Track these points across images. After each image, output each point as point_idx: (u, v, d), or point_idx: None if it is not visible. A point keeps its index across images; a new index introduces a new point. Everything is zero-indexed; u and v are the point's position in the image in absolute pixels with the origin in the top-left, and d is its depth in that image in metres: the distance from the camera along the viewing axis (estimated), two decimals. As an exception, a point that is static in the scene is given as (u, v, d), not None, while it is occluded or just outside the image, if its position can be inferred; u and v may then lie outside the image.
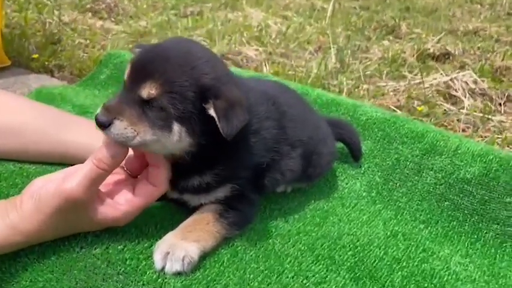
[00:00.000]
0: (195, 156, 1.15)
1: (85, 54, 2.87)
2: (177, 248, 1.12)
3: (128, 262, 1.13)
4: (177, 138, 1.08)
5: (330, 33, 4.35)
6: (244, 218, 1.31)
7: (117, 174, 1.22)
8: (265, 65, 3.27)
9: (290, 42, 3.93)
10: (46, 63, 2.64)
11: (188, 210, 1.29)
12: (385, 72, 3.61)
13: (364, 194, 1.70)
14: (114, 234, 1.20)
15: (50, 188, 1.08)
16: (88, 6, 4.64)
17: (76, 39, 3.30)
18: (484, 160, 1.67)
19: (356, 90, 3.08)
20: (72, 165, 1.17)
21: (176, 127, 1.07)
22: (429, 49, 4.27)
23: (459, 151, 1.73)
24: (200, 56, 1.12)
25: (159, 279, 1.09)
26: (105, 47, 3.20)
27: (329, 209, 1.55)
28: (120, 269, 1.11)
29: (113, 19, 4.54)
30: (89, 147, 1.50)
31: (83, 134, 1.53)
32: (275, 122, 1.34)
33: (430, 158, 1.74)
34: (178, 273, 1.10)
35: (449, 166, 1.70)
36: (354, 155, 1.81)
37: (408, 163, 1.76)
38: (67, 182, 1.07)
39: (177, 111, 1.05)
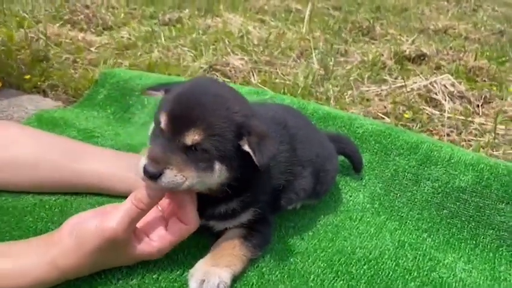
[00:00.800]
0: (227, 187, 1.21)
1: (76, 73, 2.86)
2: (211, 275, 1.19)
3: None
4: (218, 175, 1.15)
5: (310, 38, 4.46)
6: (265, 239, 1.39)
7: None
8: (253, 74, 3.34)
9: (273, 49, 4.00)
10: (39, 83, 2.63)
11: (212, 235, 1.36)
12: (366, 76, 3.74)
13: (368, 206, 1.80)
14: (147, 264, 1.26)
15: (90, 226, 1.13)
16: (66, 17, 4.59)
17: (62, 55, 3.27)
18: (476, 169, 1.80)
19: (342, 96, 3.19)
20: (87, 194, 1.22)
21: (217, 166, 1.14)
22: (405, 51, 4.43)
23: (452, 161, 1.85)
24: (229, 97, 1.19)
25: (198, 306, 1.15)
26: (93, 62, 3.19)
27: (338, 223, 1.65)
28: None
29: (92, 30, 4.51)
30: (101, 175, 1.56)
31: (95, 163, 1.58)
32: (287, 145, 1.43)
33: (426, 168, 1.86)
34: (214, 300, 1.17)
35: (444, 176, 1.82)
36: (356, 167, 1.91)
37: (406, 174, 1.88)
38: (107, 221, 1.12)
39: (218, 152, 1.12)
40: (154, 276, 1.23)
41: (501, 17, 7.33)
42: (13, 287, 1.13)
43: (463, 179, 1.79)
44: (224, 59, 3.46)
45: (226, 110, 1.14)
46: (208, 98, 1.16)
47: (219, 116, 1.13)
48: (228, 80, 3.24)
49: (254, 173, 1.20)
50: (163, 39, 4.02)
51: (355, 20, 5.85)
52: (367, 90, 3.43)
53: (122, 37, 4.00)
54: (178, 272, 1.26)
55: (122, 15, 5.14)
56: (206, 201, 1.26)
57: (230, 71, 3.36)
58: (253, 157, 1.13)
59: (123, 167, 1.57)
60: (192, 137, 1.10)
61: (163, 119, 1.13)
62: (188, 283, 1.20)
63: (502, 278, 1.47)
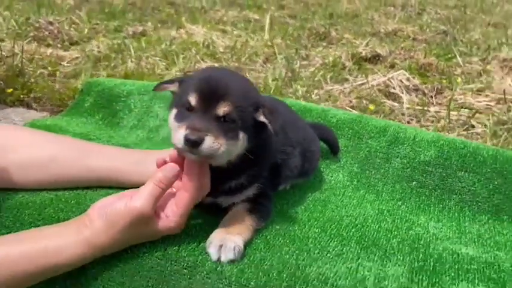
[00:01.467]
0: (240, 160, 1.41)
1: (55, 85, 2.96)
2: (228, 240, 1.37)
3: (186, 258, 1.36)
4: (241, 144, 1.35)
5: (274, 45, 4.72)
6: (267, 212, 1.58)
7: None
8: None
9: (240, 55, 4.22)
10: (21, 96, 2.71)
11: (220, 211, 1.54)
12: (329, 76, 4.02)
13: (347, 183, 2.03)
14: (166, 239, 1.41)
15: (119, 206, 1.28)
16: (31, 34, 4.63)
17: (37, 69, 3.35)
18: (437, 145, 2.08)
19: (310, 95, 3.44)
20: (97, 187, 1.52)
21: (241, 135, 1.34)
22: (361, 52, 4.77)
23: (416, 139, 2.12)
24: (242, 79, 1.45)
25: (218, 268, 1.32)
26: (68, 75, 3.29)
27: (325, 198, 1.86)
28: (183, 265, 1.34)
29: (59, 45, 4.57)
30: (111, 169, 1.70)
31: (105, 159, 1.72)
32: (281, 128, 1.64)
33: (394, 148, 2.12)
34: (231, 261, 1.34)
35: (410, 153, 2.08)
36: (333, 150, 2.14)
37: (378, 153, 2.13)
38: (134, 201, 1.28)
39: (241, 122, 1.33)
40: (175, 248, 1.39)
41: (444, 19, 7.91)
42: (50, 265, 1.27)
43: (427, 154, 2.05)
44: (196, 66, 3.64)
45: (244, 88, 1.39)
46: (229, 79, 1.39)
47: (241, 92, 1.36)
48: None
49: (259, 149, 1.40)
50: (132, 51, 4.16)
51: (312, 27, 6.18)
52: (331, 89, 3.71)
53: (93, 50, 4.10)
54: (195, 244, 1.42)
55: (86, 30, 5.21)
56: (219, 179, 1.44)
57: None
58: (268, 125, 1.36)
59: (130, 162, 1.72)
60: (223, 108, 1.30)
61: (194, 98, 1.31)
62: (207, 250, 1.37)
63: (467, 231, 1.72)
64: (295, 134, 1.74)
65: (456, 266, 1.46)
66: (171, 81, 1.48)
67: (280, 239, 1.51)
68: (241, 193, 1.51)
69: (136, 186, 1.38)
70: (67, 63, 3.75)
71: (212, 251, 1.35)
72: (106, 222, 1.28)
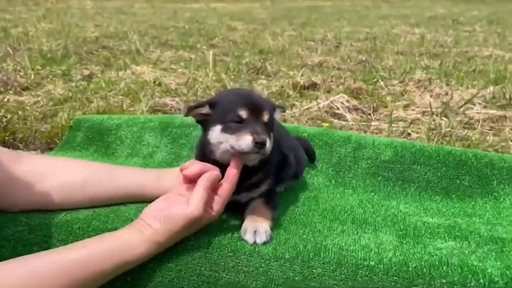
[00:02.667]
0: (258, 163, 1.77)
1: (36, 126, 3.09)
2: (259, 226, 1.70)
3: (228, 245, 1.66)
4: (272, 142, 1.71)
5: (222, 79, 5.12)
6: (276, 204, 1.93)
7: None
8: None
9: (196, 90, 4.57)
10: (6, 138, 2.82)
11: (238, 208, 1.86)
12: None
13: (327, 183, 2.44)
14: (207, 233, 1.71)
15: (175, 211, 1.58)
16: (-20, 82, 4.63)
17: (6, 114, 3.44)
18: (392, 147, 2.57)
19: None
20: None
21: (272, 135, 1.71)
22: (300, 82, 5.33)
23: (375, 144, 2.60)
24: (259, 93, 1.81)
25: (256, 249, 1.64)
26: (42, 117, 3.42)
27: (314, 195, 2.25)
28: (227, 250, 1.64)
29: (10, 92, 4.62)
30: (139, 186, 1.97)
31: (133, 178, 1.98)
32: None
33: (359, 152, 2.58)
34: (264, 243, 1.67)
35: (373, 154, 2.55)
36: (311, 159, 2.54)
37: (347, 158, 2.57)
38: (190, 206, 1.58)
39: (271, 125, 1.72)
40: (216, 239, 1.69)
41: (359, 50, 8.87)
42: (122, 262, 1.50)
43: (385, 154, 2.53)
44: (161, 101, 3.93)
45: (265, 98, 1.82)
46: (255, 94, 1.84)
47: (267, 102, 1.78)
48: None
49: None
50: (89, 92, 4.34)
51: (249, 62, 6.71)
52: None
53: (52, 93, 4.22)
54: (230, 234, 1.73)
55: (32, 76, 5.27)
56: (243, 177, 1.76)
57: (170, 110, 3.83)
58: (283, 113, 1.86)
59: (153, 180, 1.99)
60: (266, 116, 1.69)
61: (244, 111, 1.67)
62: (243, 237, 1.68)
63: (429, 208, 2.18)
64: (288, 142, 2.14)
65: (429, 230, 1.89)
66: (200, 105, 1.80)
67: (293, 225, 1.87)
68: (258, 188, 1.86)
69: (155, 198, 1.71)
70: (29, 107, 3.85)
71: (248, 237, 1.67)
72: (165, 224, 1.56)
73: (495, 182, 2.35)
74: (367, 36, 11.35)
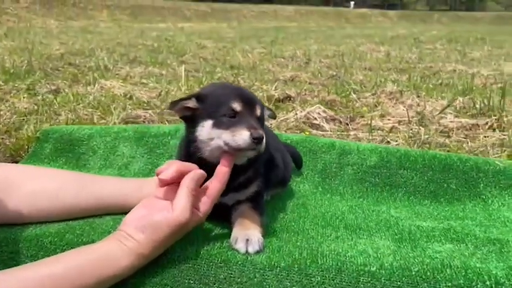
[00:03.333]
0: (247, 162, 1.67)
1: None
2: (251, 234, 1.58)
3: (218, 255, 1.53)
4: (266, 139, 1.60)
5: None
6: (264, 210, 1.81)
7: None
8: (166, 122, 3.72)
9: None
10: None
11: (223, 212, 1.74)
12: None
13: (314, 190, 2.35)
14: (194, 243, 1.58)
15: (159, 219, 1.43)
16: None
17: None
18: (376, 152, 2.51)
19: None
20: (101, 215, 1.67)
21: (264, 131, 1.60)
22: (275, 95, 5.27)
23: (360, 150, 2.54)
24: None
25: (249, 258, 1.51)
26: (1, 131, 3.20)
27: (302, 202, 2.15)
28: (218, 260, 1.51)
29: (-30, 106, 4.34)
30: (118, 196, 1.82)
31: (110, 187, 1.83)
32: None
33: (344, 158, 2.51)
34: (257, 252, 1.55)
35: (358, 160, 2.48)
36: (298, 165, 2.45)
37: (332, 164, 2.49)
38: (175, 212, 1.44)
39: (263, 120, 1.62)
40: (205, 249, 1.56)
41: (329, 66, 8.96)
42: (103, 276, 1.35)
43: (371, 160, 2.47)
44: (133, 113, 3.77)
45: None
46: (245, 89, 1.74)
47: (257, 97, 1.68)
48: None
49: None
50: (56, 105, 4.13)
51: (221, 77, 6.63)
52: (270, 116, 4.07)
53: (16, 107, 3.99)
54: (219, 243, 1.61)
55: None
56: (231, 176, 1.63)
57: (143, 121, 3.68)
58: (271, 115, 1.76)
59: (132, 189, 1.84)
60: (259, 110, 1.60)
61: (238, 104, 1.56)
62: (233, 246, 1.55)
63: (420, 212, 2.12)
64: (275, 143, 2.05)
65: (425, 234, 1.82)
66: (186, 98, 1.67)
67: (285, 233, 1.76)
68: (247, 189, 1.75)
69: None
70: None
71: (240, 246, 1.55)
72: (148, 234, 1.42)
73: (482, 184, 2.32)
74: (335, 53, 11.54)
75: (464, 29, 30.31)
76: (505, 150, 3.21)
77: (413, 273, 1.46)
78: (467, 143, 3.47)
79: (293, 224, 1.86)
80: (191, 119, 1.65)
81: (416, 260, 1.55)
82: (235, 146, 1.51)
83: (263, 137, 1.50)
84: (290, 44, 14.07)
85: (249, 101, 1.60)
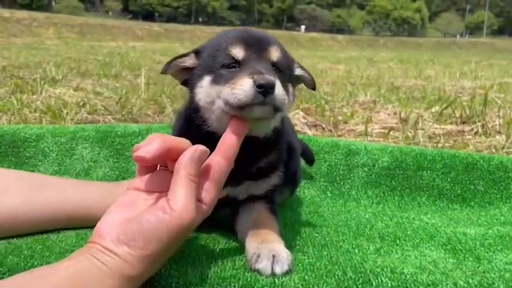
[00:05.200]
0: (272, 135, 1.24)
1: None
2: (278, 250, 1.14)
3: (234, 280, 1.08)
4: (291, 100, 1.20)
5: (159, 100, 4.53)
6: (278, 213, 1.38)
7: None
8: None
9: (130, 109, 3.92)
10: None
11: (230, 209, 1.35)
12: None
13: (323, 196, 1.95)
14: (188, 265, 1.12)
15: (151, 223, 0.96)
16: None
17: None
18: (388, 152, 2.15)
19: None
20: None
21: (291, 89, 1.19)
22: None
23: (368, 149, 2.17)
24: None
25: (277, 282, 1.08)
26: None
27: (315, 210, 1.75)
28: (235, 286, 1.05)
29: None
30: (80, 203, 1.35)
31: (64, 191, 1.35)
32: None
33: (352, 159, 2.13)
34: (285, 273, 1.11)
35: (369, 161, 2.11)
36: (309, 160, 2.03)
37: (338, 166, 2.10)
38: (175, 209, 0.97)
39: (289, 73, 1.20)
40: (211, 270, 1.11)
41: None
42: None
43: (383, 160, 2.11)
44: (90, 117, 3.24)
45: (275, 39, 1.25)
46: (258, 31, 1.25)
47: (275, 41, 1.23)
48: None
49: (278, 132, 1.27)
50: (15, 109, 3.53)
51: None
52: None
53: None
54: (229, 260, 1.16)
55: None
56: (246, 158, 1.20)
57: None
58: (307, 77, 1.29)
59: (102, 193, 1.37)
60: (275, 53, 1.15)
61: (240, 49, 1.13)
62: (254, 265, 1.11)
63: (456, 218, 1.76)
64: (295, 139, 1.64)
65: (478, 243, 1.45)
66: (183, 56, 1.24)
67: (311, 247, 1.34)
68: (268, 179, 1.32)
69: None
70: None
71: (265, 265, 1.10)
72: (138, 246, 0.95)
73: (512, 185, 2.01)
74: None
75: (409, 52, 31.61)
76: (507, 152, 2.96)
77: (500, 292, 1.08)
78: (466, 148, 3.21)
79: (316, 235, 1.44)
80: (192, 82, 1.22)
81: (492, 275, 1.18)
82: (236, 103, 1.06)
83: (273, 84, 1.05)
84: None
85: (257, 43, 1.16)
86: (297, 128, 3.62)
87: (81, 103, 4.40)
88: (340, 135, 3.56)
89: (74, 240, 1.24)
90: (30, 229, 1.25)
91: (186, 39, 34.85)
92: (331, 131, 3.68)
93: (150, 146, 1.02)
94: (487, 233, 1.56)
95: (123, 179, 1.97)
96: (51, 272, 0.88)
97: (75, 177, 1.96)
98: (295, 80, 1.30)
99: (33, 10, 46.80)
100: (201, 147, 1.05)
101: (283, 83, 1.13)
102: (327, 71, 11.90)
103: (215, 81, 1.13)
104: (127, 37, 30.63)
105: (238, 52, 1.13)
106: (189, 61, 1.22)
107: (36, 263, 1.08)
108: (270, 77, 1.05)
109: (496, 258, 1.32)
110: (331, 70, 12.25)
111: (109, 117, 3.47)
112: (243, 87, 1.05)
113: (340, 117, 4.40)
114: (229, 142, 1.09)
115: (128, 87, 6.67)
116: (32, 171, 1.97)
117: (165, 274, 1.06)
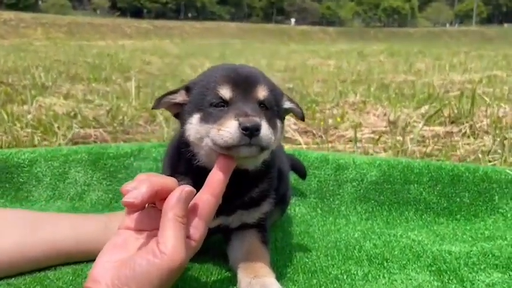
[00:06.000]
0: (262, 166, 1.28)
1: None
2: (270, 284, 1.18)
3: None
4: (279, 135, 1.23)
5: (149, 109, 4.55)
6: (269, 240, 1.43)
7: None
8: (121, 142, 3.24)
9: (123, 120, 3.93)
10: None
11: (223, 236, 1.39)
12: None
13: (313, 213, 1.99)
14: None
15: (143, 267, 1.00)
16: None
17: None
18: (375, 165, 2.20)
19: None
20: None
21: (279, 124, 1.22)
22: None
23: (356, 163, 2.21)
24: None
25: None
26: None
27: (305, 230, 1.79)
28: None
29: None
30: (78, 239, 1.38)
31: (66, 228, 1.38)
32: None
33: (341, 174, 2.17)
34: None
35: (357, 175, 2.16)
36: (301, 174, 2.07)
37: (328, 181, 2.15)
38: (165, 253, 1.00)
39: (277, 108, 1.23)
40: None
41: (283, 79, 8.74)
42: None
43: (371, 174, 2.16)
44: (82, 132, 3.26)
45: (264, 76, 1.29)
46: (249, 68, 1.29)
47: (266, 78, 1.28)
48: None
49: (269, 160, 1.31)
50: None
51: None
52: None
53: None
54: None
55: None
56: (240, 189, 1.27)
57: (95, 141, 3.18)
58: (296, 109, 1.31)
59: (98, 227, 1.40)
60: (262, 92, 1.18)
61: (227, 90, 1.17)
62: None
63: (441, 233, 1.81)
64: (282, 155, 1.68)
65: (462, 262, 1.51)
66: (173, 92, 1.27)
67: (301, 273, 1.38)
68: (259, 207, 1.36)
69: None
70: None
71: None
72: None
73: (497, 197, 2.06)
74: (285, 68, 11.41)
75: (400, 43, 31.71)
76: (493, 158, 3.02)
77: (482, 319, 1.13)
78: (458, 150, 3.27)
79: (306, 260, 1.48)
80: (183, 117, 1.26)
81: (474, 299, 1.22)
82: (222, 144, 1.10)
83: (258, 126, 1.08)
84: (238, 59, 13.83)
85: (244, 82, 1.19)
86: (287, 135, 3.66)
87: (72, 113, 4.41)
88: (330, 141, 3.61)
89: (71, 278, 1.28)
90: (27, 268, 1.29)
91: (176, 36, 34.69)
92: (321, 137, 3.72)
93: (138, 192, 1.05)
94: (471, 251, 1.61)
95: (117, 202, 2.01)
96: None
97: (70, 202, 1.99)
98: (284, 113, 1.34)
99: (20, 10, 46.33)
100: (187, 188, 1.08)
101: (270, 119, 1.17)
102: (317, 67, 11.95)
103: (204, 119, 1.17)
104: (116, 35, 30.44)
105: (225, 93, 1.17)
106: (179, 98, 1.26)
107: (34, 306, 1.11)
108: (256, 118, 1.09)
109: (478, 280, 1.37)
110: (322, 66, 12.29)
111: (100, 130, 3.48)
112: (229, 129, 1.09)
113: (330, 121, 4.45)
114: (216, 179, 1.13)
115: (119, 92, 6.67)
116: (27, 197, 2.00)
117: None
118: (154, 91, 6.11)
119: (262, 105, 1.19)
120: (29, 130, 3.31)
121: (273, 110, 1.22)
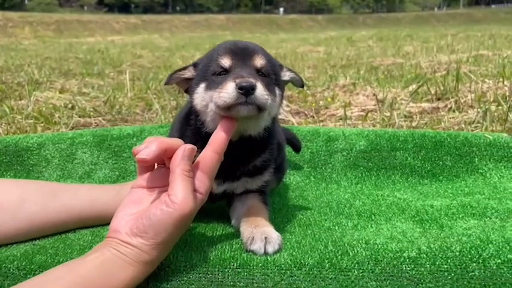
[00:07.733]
0: (264, 134, 1.41)
1: None
2: (270, 233, 1.33)
3: (233, 260, 1.26)
4: (278, 101, 1.36)
5: (145, 97, 4.66)
6: (269, 203, 1.58)
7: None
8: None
9: (119, 109, 4.06)
10: None
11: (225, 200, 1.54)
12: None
13: (307, 181, 2.14)
14: (193, 251, 1.31)
15: (157, 214, 1.13)
16: None
17: None
18: (363, 136, 2.35)
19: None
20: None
21: (277, 91, 1.35)
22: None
23: (346, 135, 2.36)
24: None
25: (270, 259, 1.27)
26: None
27: (300, 194, 1.94)
28: (234, 266, 1.24)
29: None
30: (93, 205, 1.51)
31: (83, 195, 1.52)
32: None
33: (332, 145, 2.32)
34: (276, 252, 1.30)
35: (347, 145, 2.31)
36: (296, 147, 2.21)
37: (320, 152, 2.30)
38: (175, 204, 1.14)
39: (274, 77, 1.36)
40: (212, 253, 1.29)
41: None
42: None
43: (360, 144, 2.31)
44: (82, 121, 3.38)
45: (263, 49, 1.42)
46: (247, 42, 1.43)
47: (265, 51, 1.41)
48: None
49: (270, 130, 1.44)
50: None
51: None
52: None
53: None
54: (227, 244, 1.35)
55: None
56: (245, 157, 1.43)
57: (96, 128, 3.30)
58: (296, 77, 1.46)
59: (110, 195, 1.53)
60: (259, 61, 1.32)
61: (228, 59, 1.31)
62: (249, 247, 1.30)
63: (425, 192, 1.97)
64: (280, 130, 1.84)
65: (443, 213, 1.66)
66: (183, 69, 1.43)
67: (297, 227, 1.53)
68: (262, 175, 1.52)
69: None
70: None
71: (258, 246, 1.30)
72: (149, 237, 1.13)
73: (476, 159, 2.23)
74: (276, 55, 11.51)
75: (389, 28, 31.82)
76: (476, 127, 3.19)
77: (457, 253, 1.28)
78: (442, 123, 3.43)
79: (301, 216, 1.63)
80: (191, 90, 1.41)
81: (451, 239, 1.38)
82: (222, 104, 1.24)
83: (253, 86, 1.21)
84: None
85: (242, 52, 1.34)
86: (281, 116, 3.80)
87: (70, 105, 4.52)
88: (322, 121, 3.76)
89: (90, 238, 1.42)
90: (49, 231, 1.42)
91: (165, 30, 34.58)
92: (313, 117, 3.87)
93: (149, 149, 1.19)
94: (451, 204, 1.77)
95: (123, 178, 2.14)
96: (80, 264, 1.06)
97: (78, 181, 2.12)
98: (284, 83, 1.48)
99: (6, 9, 45.85)
100: (189, 146, 1.22)
101: (268, 85, 1.31)
102: (307, 54, 12.07)
103: (208, 87, 1.32)
104: (105, 31, 30.28)
105: (226, 62, 1.32)
106: (188, 73, 1.41)
107: (61, 260, 1.25)
108: (250, 79, 1.23)
109: (456, 225, 1.53)
110: (312, 53, 12.41)
111: (100, 118, 3.61)
112: (227, 90, 1.23)
113: (321, 102, 4.60)
114: (219, 138, 1.27)
115: (113, 85, 6.77)
116: (38, 177, 2.13)
117: (174, 260, 1.24)
118: (148, 82, 6.21)
119: (260, 72, 1.34)
120: (31, 121, 3.43)
121: (271, 77, 1.36)
